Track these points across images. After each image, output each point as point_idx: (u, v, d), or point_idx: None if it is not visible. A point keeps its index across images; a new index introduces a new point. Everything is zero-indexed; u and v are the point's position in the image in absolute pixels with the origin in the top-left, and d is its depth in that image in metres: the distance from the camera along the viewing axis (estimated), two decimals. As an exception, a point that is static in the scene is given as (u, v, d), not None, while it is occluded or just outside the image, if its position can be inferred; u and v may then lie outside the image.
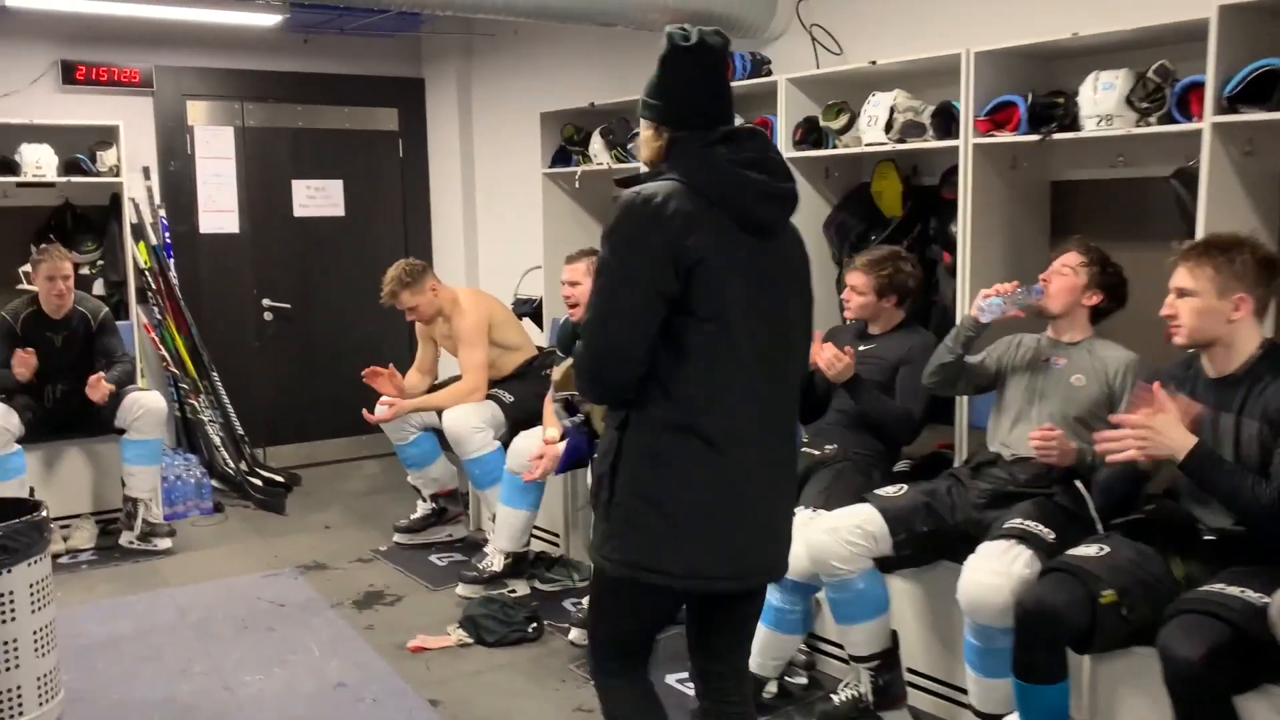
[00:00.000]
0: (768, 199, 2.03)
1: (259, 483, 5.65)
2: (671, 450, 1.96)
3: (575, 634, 3.63)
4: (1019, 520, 2.71)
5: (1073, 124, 3.08)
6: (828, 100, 3.76)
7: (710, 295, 1.94)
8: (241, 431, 5.79)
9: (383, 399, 4.44)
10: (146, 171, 5.66)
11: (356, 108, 6.30)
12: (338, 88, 6.20)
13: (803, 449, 3.46)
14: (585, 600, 3.65)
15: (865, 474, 3.29)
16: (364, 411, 4.42)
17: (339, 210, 6.29)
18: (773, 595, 3.01)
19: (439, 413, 4.35)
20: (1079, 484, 2.82)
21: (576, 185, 4.87)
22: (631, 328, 1.94)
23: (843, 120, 3.70)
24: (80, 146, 5.25)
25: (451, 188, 6.30)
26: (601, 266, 1.99)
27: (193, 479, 5.33)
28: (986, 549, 2.66)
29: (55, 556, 4.59)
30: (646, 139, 2.09)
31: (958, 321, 3.20)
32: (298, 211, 6.17)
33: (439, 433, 4.46)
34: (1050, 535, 2.65)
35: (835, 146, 3.74)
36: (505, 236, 5.99)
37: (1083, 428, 2.81)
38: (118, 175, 5.34)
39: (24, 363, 4.45)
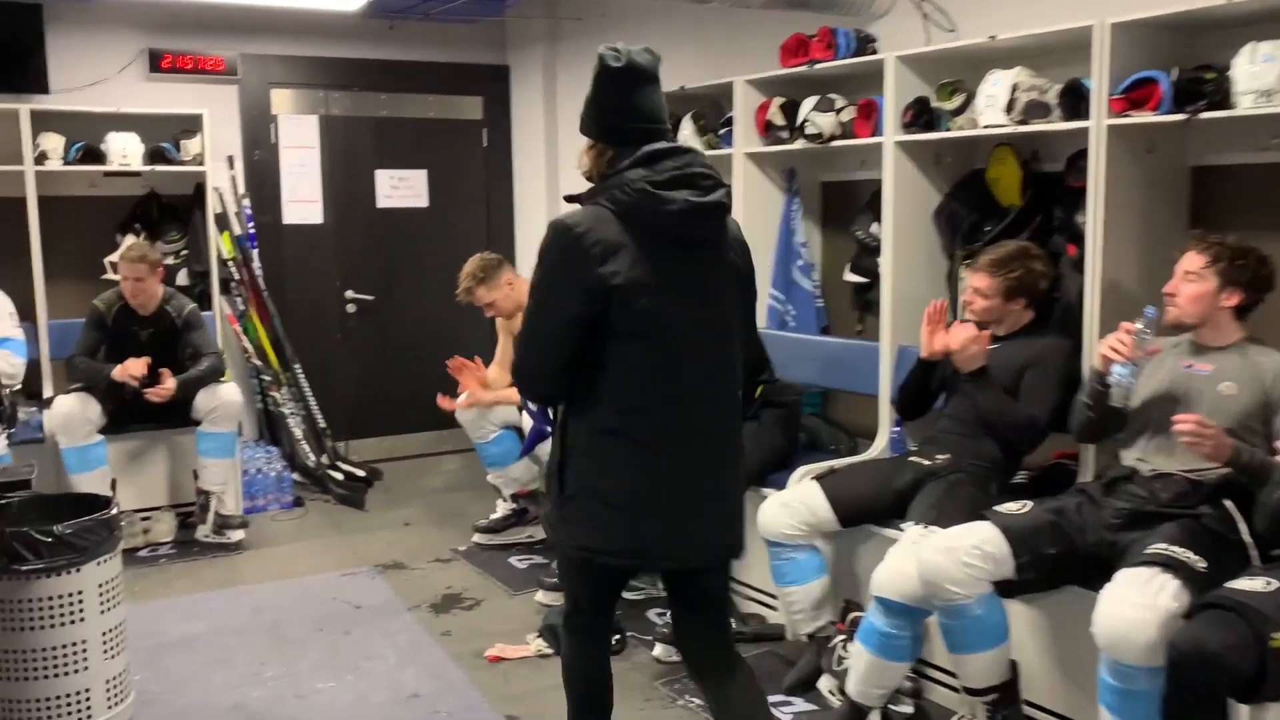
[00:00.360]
0: (689, 216, 2.11)
1: (340, 477, 5.57)
2: (605, 450, 2.16)
3: (660, 650, 3.42)
4: (1163, 545, 2.40)
5: (1223, 102, 2.75)
6: (940, 79, 3.47)
7: (630, 316, 2.09)
8: (323, 424, 5.72)
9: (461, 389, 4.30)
10: (231, 161, 5.61)
11: (441, 96, 6.17)
12: (422, 76, 6.08)
13: (911, 457, 3.20)
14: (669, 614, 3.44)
15: (981, 487, 3.01)
16: (439, 395, 4.29)
17: (422, 201, 6.17)
18: (878, 619, 2.76)
19: (520, 409, 4.18)
20: (1230, 504, 2.50)
21: (665, 173, 4.63)
22: (549, 349, 2.14)
23: (957, 101, 3.41)
24: (165, 135, 5.21)
25: (535, 178, 6.13)
26: (531, 289, 2.17)
27: (273, 472, 5.27)
28: (1126, 577, 2.36)
29: (134, 550, 4.59)
30: (583, 153, 2.25)
31: (1085, 325, 2.92)
32: (381, 202, 6.07)
33: (520, 431, 4.29)
34: (1201, 563, 2.35)
35: (948, 129, 3.45)
36: (590, 228, 5.81)
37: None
38: (201, 164, 5.29)
39: (130, 371, 4.37)
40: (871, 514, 3.20)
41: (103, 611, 2.93)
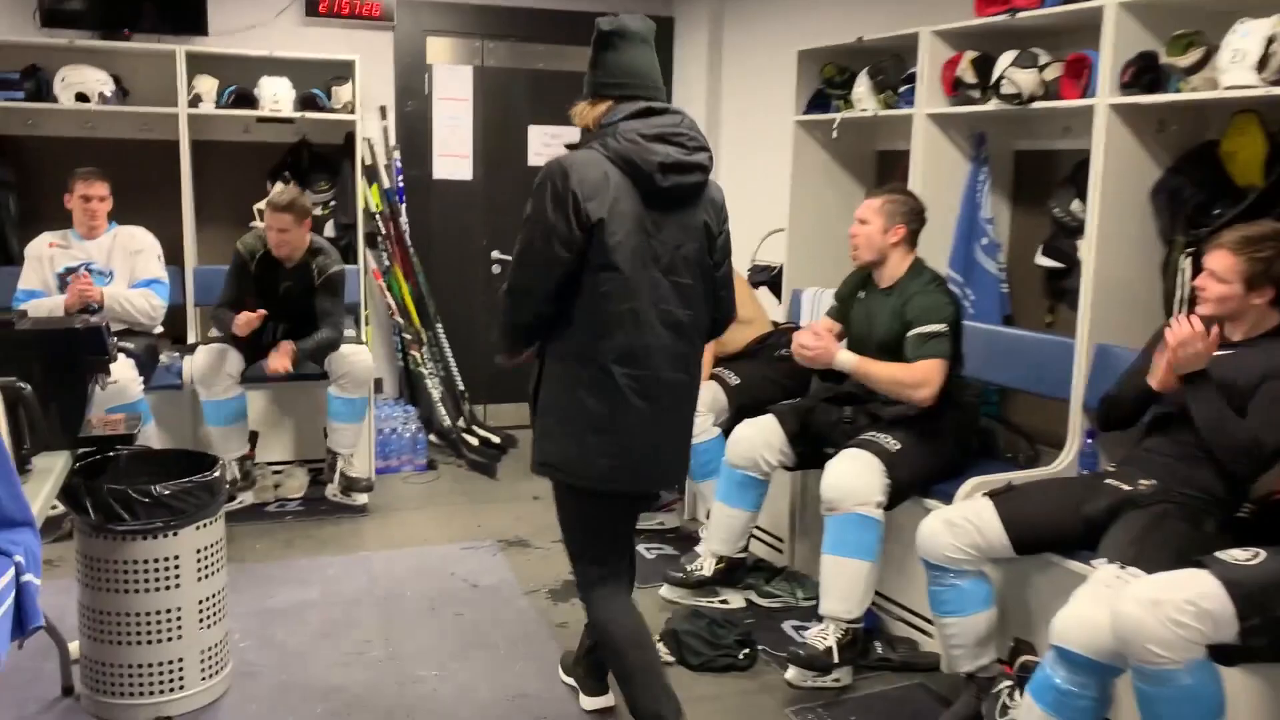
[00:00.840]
0: (671, 169, 2.31)
1: (474, 442, 5.39)
2: (577, 375, 2.34)
3: (794, 673, 3.03)
4: None
5: None
6: (1174, 30, 2.91)
7: (607, 250, 2.27)
8: (462, 387, 5.55)
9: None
10: (383, 111, 5.46)
11: (600, 48, 5.85)
12: (582, 26, 5.75)
13: (1106, 479, 2.70)
14: (812, 628, 3.06)
15: (1194, 523, 2.49)
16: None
17: (575, 159, 5.89)
18: (1056, 672, 2.30)
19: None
20: None
21: (834, 134, 4.18)
22: (543, 273, 2.30)
23: (1193, 56, 2.84)
24: (318, 81, 5.08)
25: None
26: (526, 220, 2.32)
27: (409, 433, 5.13)
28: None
29: (264, 505, 4.52)
30: (580, 109, 2.40)
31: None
32: (532, 160, 5.82)
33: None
34: None
35: (1178, 90, 2.88)
36: (747, 194, 5.38)
37: None
38: (352, 113, 5.14)
39: (248, 325, 4.27)
40: (1054, 542, 2.72)
41: (200, 579, 2.78)
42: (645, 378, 2.36)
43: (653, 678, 2.48)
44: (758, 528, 3.75)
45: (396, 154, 5.48)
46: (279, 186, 5.02)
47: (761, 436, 3.41)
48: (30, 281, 4.46)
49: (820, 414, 3.42)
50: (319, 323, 4.38)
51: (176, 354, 4.69)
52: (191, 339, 5.03)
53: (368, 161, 5.35)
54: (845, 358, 3.17)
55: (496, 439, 5.48)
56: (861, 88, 4.01)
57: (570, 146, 2.42)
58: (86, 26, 4.85)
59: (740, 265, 4.44)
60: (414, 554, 4.01)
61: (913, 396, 3.06)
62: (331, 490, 4.56)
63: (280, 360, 4.23)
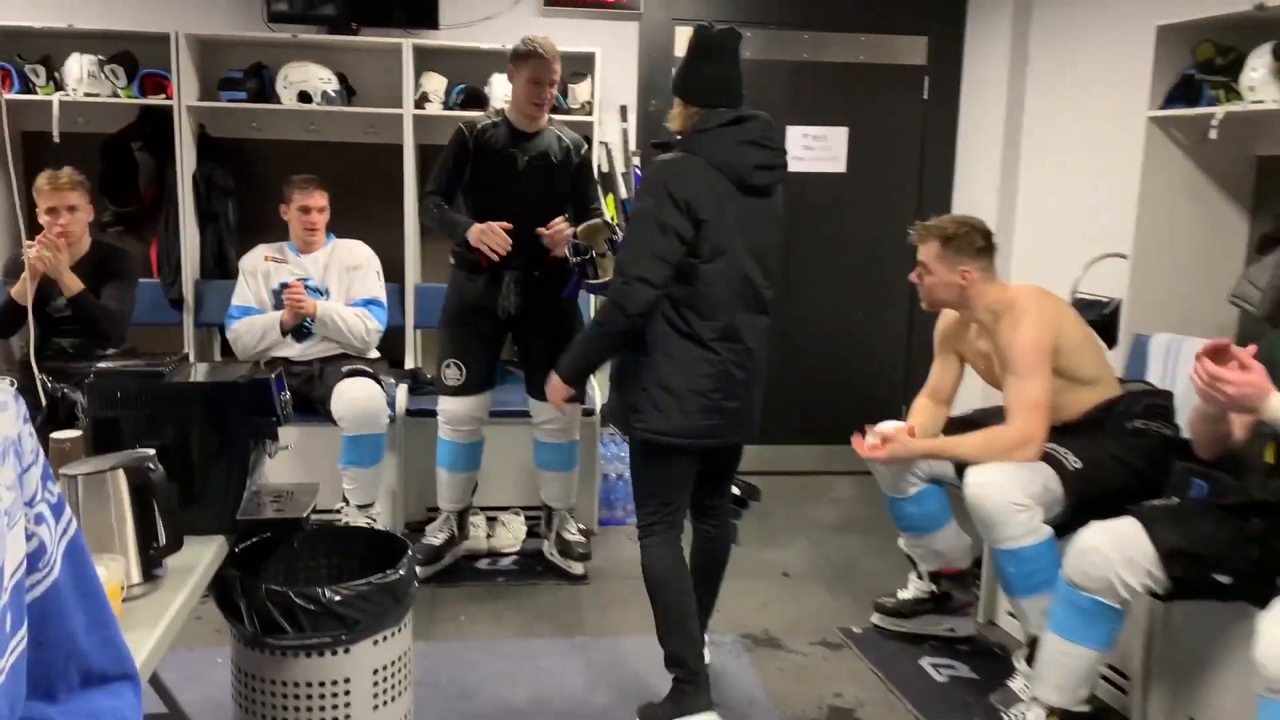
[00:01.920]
0: (763, 169, 2.66)
1: (711, 492, 4.65)
2: (676, 348, 2.64)
3: None
4: None
5: None
6: None
7: (711, 241, 2.59)
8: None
9: (877, 428, 3.14)
10: (623, 112, 4.81)
11: (875, 35, 4.99)
12: (854, 10, 4.94)
13: None
14: None
15: None
16: (854, 438, 3.14)
17: (838, 165, 5.05)
18: None
19: (958, 465, 2.97)
20: None
21: (1211, 134, 3.14)
22: (661, 263, 2.56)
23: None
24: (553, 78, 4.48)
25: (988, 142, 4.79)
26: (637, 214, 2.65)
27: (636, 479, 4.45)
28: None
29: (475, 557, 3.95)
30: (676, 113, 2.71)
31: None
32: (790, 165, 5.01)
33: (944, 485, 3.09)
34: None
35: None
36: (1062, 207, 4.39)
37: None
38: (589, 114, 4.54)
39: (502, 244, 3.42)
40: None
41: (376, 706, 2.16)
42: (740, 350, 2.67)
43: (686, 621, 2.76)
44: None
45: (636, 160, 4.82)
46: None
47: (1119, 548, 2.46)
48: (244, 298, 4.10)
49: (1210, 524, 2.43)
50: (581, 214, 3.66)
51: (391, 380, 4.21)
52: (410, 363, 4.56)
53: (604, 169, 4.71)
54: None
55: (737, 489, 4.72)
56: (1258, 71, 2.97)
57: (657, 145, 2.96)
58: (315, 21, 4.46)
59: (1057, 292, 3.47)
60: (637, 646, 3.28)
61: None
62: (548, 548, 3.94)
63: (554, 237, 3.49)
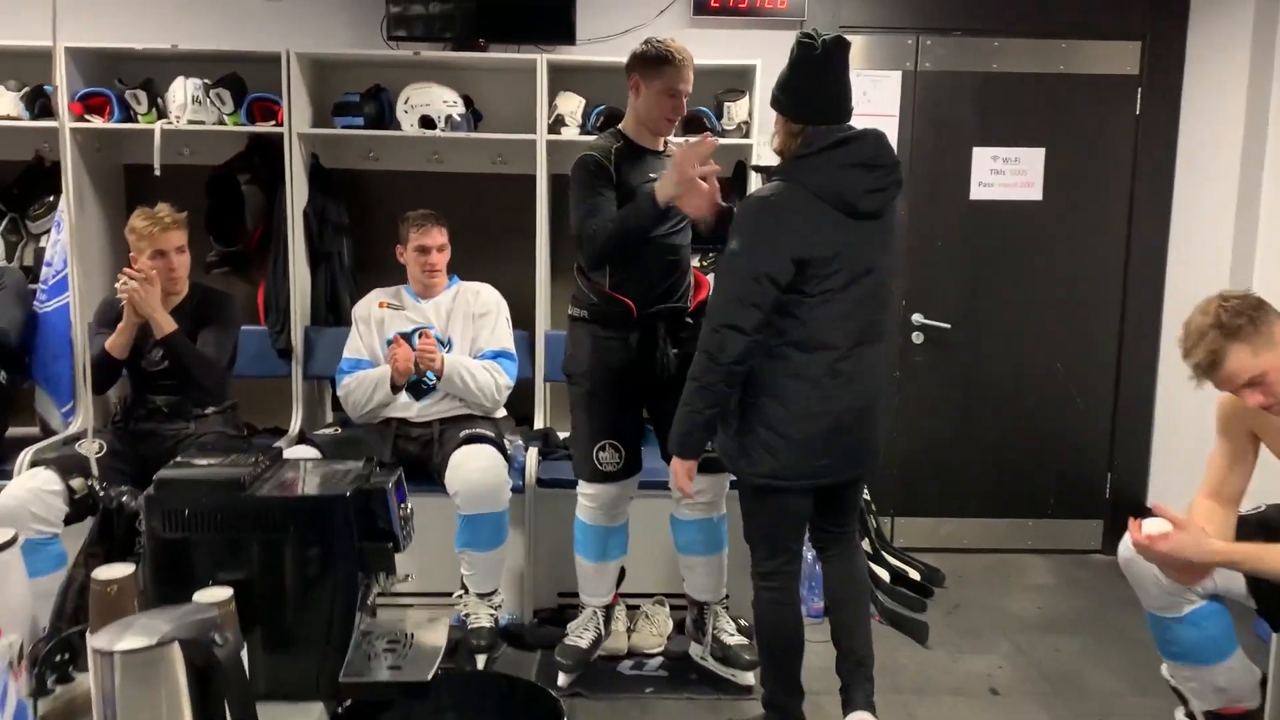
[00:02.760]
0: (873, 193, 2.47)
1: (885, 576, 3.97)
2: (786, 389, 2.51)
3: None
4: None
5: None
6: None
7: (815, 279, 2.44)
8: (867, 495, 4.15)
9: (1149, 522, 2.42)
10: (781, 133, 4.20)
11: (1078, 41, 4.27)
12: (1052, 12, 4.24)
13: None
14: None
15: None
16: (1130, 523, 2.43)
17: (1034, 193, 4.34)
18: None
19: (1252, 579, 2.23)
20: None
21: None
22: (753, 310, 2.42)
23: None
24: (704, 96, 3.91)
25: (1218, 162, 4.01)
26: (731, 257, 2.46)
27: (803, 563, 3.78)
28: None
29: (614, 659, 3.35)
30: (779, 130, 2.54)
31: None
32: (975, 192, 4.34)
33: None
34: None
35: None
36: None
37: None
38: (747, 135, 3.95)
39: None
40: None
41: None
42: (854, 383, 2.53)
43: (790, 668, 2.72)
44: None
45: (797, 188, 4.20)
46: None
47: None
48: (356, 350, 3.61)
49: None
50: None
51: (518, 442, 3.67)
52: (539, 422, 4.01)
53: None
54: None
55: (916, 573, 4.03)
56: None
57: (759, 170, 2.87)
58: (438, 38, 3.98)
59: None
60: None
61: None
62: (699, 652, 3.31)
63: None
